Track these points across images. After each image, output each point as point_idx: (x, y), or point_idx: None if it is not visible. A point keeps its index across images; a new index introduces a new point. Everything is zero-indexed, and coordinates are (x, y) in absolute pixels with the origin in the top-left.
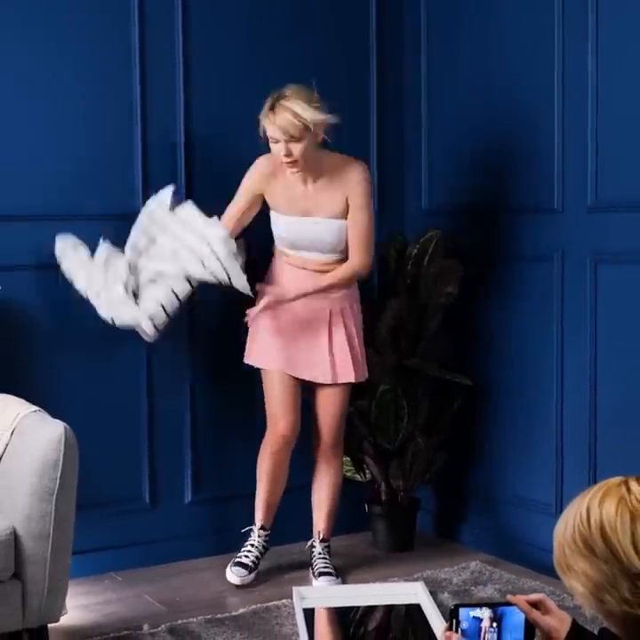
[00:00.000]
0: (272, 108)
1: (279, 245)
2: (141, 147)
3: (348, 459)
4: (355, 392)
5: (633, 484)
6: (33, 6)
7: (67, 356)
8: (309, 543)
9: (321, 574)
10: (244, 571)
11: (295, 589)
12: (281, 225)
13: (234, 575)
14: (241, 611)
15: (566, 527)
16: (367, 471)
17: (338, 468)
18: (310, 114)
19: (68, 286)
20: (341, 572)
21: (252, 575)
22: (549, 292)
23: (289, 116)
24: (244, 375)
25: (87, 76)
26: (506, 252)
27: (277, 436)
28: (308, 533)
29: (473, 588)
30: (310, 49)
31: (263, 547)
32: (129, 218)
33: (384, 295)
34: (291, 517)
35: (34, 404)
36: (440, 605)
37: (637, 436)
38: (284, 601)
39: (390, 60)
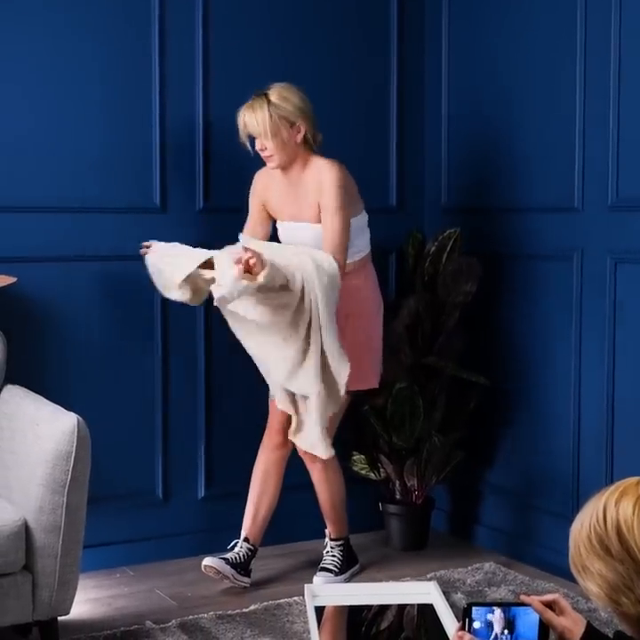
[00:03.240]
0: (250, 105)
1: None
2: (159, 142)
3: (363, 456)
4: (371, 390)
5: None
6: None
7: (80, 347)
8: (325, 542)
9: (320, 570)
10: (221, 560)
11: (307, 587)
12: (280, 232)
13: (210, 558)
14: (252, 607)
15: (582, 527)
16: (382, 469)
17: (319, 471)
18: (287, 107)
19: (81, 278)
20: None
21: (229, 568)
22: (568, 291)
23: (265, 109)
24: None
25: (106, 70)
26: (525, 250)
27: (271, 433)
28: (320, 531)
29: (486, 588)
30: (329, 45)
31: (243, 556)
32: (145, 211)
33: (401, 292)
34: (303, 515)
35: (47, 395)
36: (453, 606)
37: None
38: (295, 598)
39: (411, 57)
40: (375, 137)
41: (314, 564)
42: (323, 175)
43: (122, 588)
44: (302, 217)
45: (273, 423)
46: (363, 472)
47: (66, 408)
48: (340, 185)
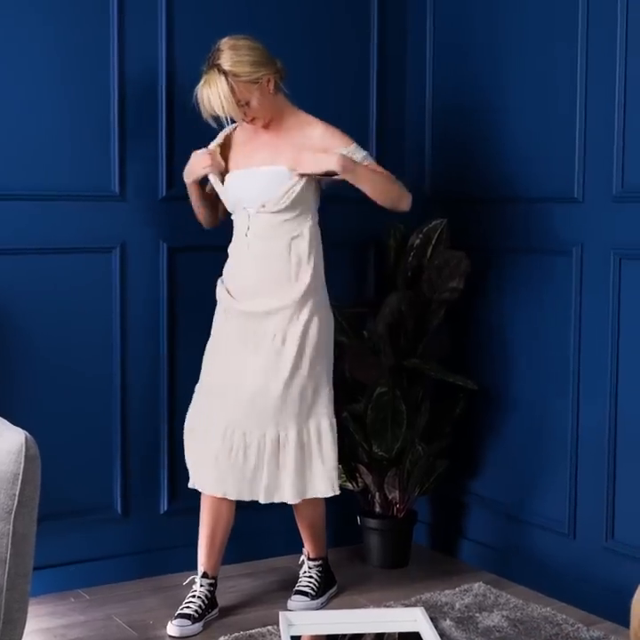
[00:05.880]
0: (207, 82)
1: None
2: (117, 123)
3: (340, 466)
4: (349, 395)
5: None
6: None
7: (28, 351)
8: (300, 560)
9: (295, 593)
10: (186, 621)
11: (282, 614)
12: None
13: (174, 627)
14: (222, 639)
15: None
16: (359, 479)
17: None
18: (244, 69)
19: (26, 273)
20: None
21: (197, 625)
22: (567, 289)
23: (223, 83)
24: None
25: (57, 42)
26: (518, 244)
27: None
28: (292, 545)
29: (477, 614)
30: (305, 21)
31: (206, 596)
32: (102, 199)
33: (382, 289)
34: (273, 530)
35: None
36: (442, 634)
37: None
38: (269, 628)
39: (393, 30)
40: (351, 117)
41: (287, 585)
42: (313, 129)
43: (76, 615)
44: (277, 161)
45: None
46: (339, 482)
47: (12, 421)
48: (333, 127)
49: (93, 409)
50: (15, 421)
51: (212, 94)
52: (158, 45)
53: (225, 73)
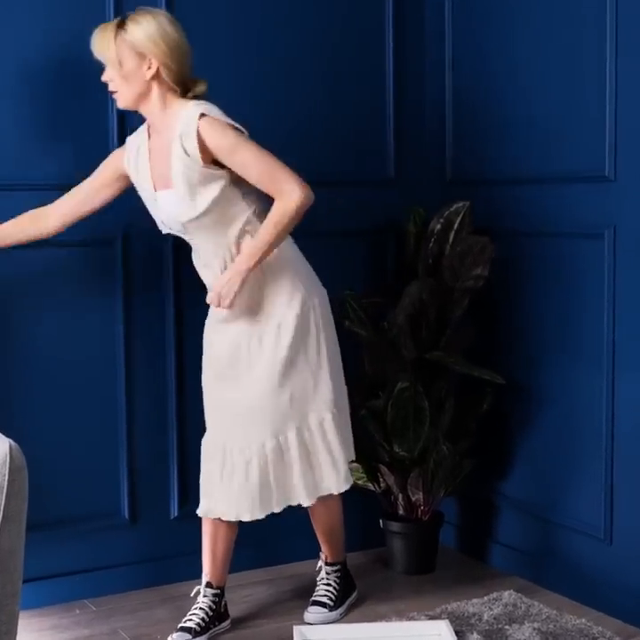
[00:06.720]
0: (101, 27)
1: None
2: (117, 112)
3: (359, 465)
4: (368, 390)
5: None
6: None
7: (30, 351)
8: (318, 565)
9: (312, 603)
10: (187, 635)
11: (296, 629)
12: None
13: None
14: None
15: None
16: (381, 480)
17: None
18: (136, 34)
19: (25, 270)
20: None
21: (200, 639)
22: (599, 275)
23: (111, 33)
24: None
25: (59, 36)
26: (546, 227)
27: None
28: (310, 550)
29: (507, 626)
30: None
31: (210, 608)
32: None
33: (402, 278)
34: (297, 532)
35: None
36: None
37: None
38: None
39: (410, 8)
40: (368, 95)
41: (303, 593)
42: (191, 125)
43: (81, 628)
44: (168, 184)
45: None
46: (360, 482)
47: (13, 423)
48: (223, 125)
49: (98, 409)
50: (16, 424)
51: (97, 35)
52: None
53: (119, 24)
